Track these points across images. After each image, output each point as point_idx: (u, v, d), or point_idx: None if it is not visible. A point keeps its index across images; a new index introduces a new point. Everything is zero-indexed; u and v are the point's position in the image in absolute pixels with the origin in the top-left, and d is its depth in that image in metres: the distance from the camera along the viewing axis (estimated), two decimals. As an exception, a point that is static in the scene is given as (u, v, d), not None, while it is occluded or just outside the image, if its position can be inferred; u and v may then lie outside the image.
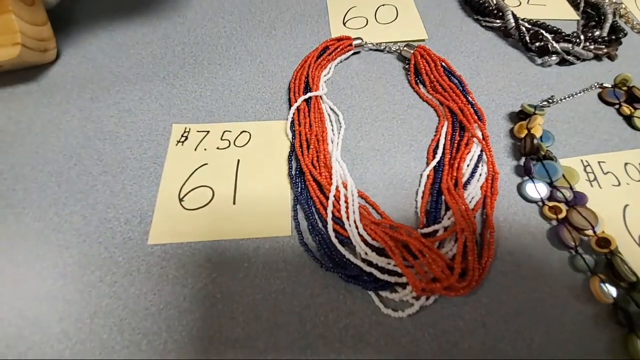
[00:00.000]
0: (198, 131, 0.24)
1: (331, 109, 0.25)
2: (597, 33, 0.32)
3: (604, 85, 0.29)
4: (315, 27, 0.32)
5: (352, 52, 0.29)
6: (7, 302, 0.18)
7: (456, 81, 0.26)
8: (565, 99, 0.27)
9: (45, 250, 0.20)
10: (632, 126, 0.27)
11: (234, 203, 0.21)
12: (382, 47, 0.29)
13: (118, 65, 0.29)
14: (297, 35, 0.31)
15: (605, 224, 0.21)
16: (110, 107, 0.26)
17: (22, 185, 0.22)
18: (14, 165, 0.23)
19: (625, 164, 0.24)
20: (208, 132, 0.24)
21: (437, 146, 0.23)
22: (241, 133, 0.24)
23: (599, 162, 0.24)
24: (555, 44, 0.28)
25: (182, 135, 0.24)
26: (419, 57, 0.27)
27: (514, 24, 0.30)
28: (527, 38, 0.29)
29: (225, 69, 0.29)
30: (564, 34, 0.30)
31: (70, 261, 0.20)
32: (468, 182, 0.22)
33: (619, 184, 0.23)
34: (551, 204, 0.21)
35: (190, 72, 0.28)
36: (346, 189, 0.21)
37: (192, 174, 0.22)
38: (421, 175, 0.23)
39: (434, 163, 0.22)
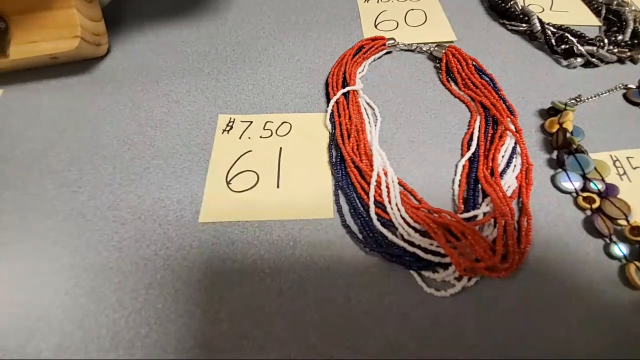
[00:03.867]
0: (242, 121, 0.25)
1: (367, 103, 0.26)
2: (620, 37, 0.32)
3: (628, 86, 0.29)
4: (348, 29, 0.33)
5: (384, 51, 0.30)
6: (66, 272, 0.19)
7: (487, 79, 0.27)
8: (592, 98, 0.27)
9: (101, 226, 0.21)
10: (659, 125, 0.27)
11: (278, 187, 0.22)
12: (413, 48, 0.30)
13: (165, 61, 0.30)
14: (331, 36, 0.32)
15: (638, 215, 0.21)
16: (160, 97, 0.27)
17: (77, 167, 0.23)
18: (70, 149, 0.24)
19: (654, 160, 0.24)
20: (251, 122, 0.25)
21: (471, 139, 0.24)
22: (282, 124, 0.25)
23: (627, 158, 0.24)
24: (580, 47, 0.29)
25: (227, 125, 0.25)
26: (451, 56, 0.28)
27: (539, 28, 0.30)
28: (553, 41, 0.30)
29: (265, 66, 0.30)
30: (587, 37, 0.31)
31: (126, 236, 0.20)
32: (504, 172, 0.22)
33: (650, 179, 0.23)
34: (585, 194, 0.21)
35: (233, 68, 0.29)
36: (386, 176, 0.21)
37: (237, 159, 0.23)
38: (457, 165, 0.23)
39: (469, 154, 0.23)
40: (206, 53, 0.31)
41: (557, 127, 0.24)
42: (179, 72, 0.29)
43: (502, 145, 0.22)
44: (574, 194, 0.22)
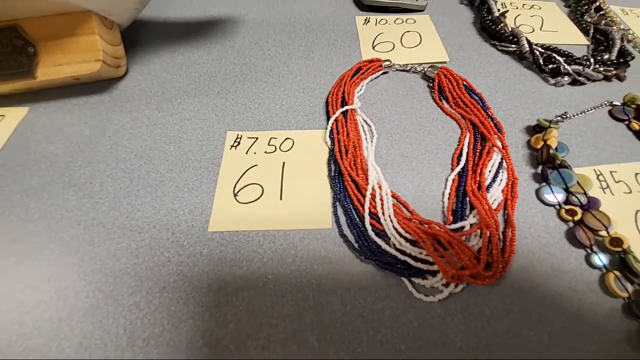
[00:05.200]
0: (248, 137, 0.27)
1: (364, 120, 0.28)
2: (607, 56, 0.33)
3: (613, 103, 0.30)
4: (348, 51, 0.35)
5: (381, 72, 0.32)
6: (87, 277, 0.21)
7: (477, 98, 0.28)
8: (577, 115, 0.29)
9: (120, 234, 0.22)
10: (642, 140, 0.28)
11: (281, 199, 0.24)
12: (408, 68, 0.32)
13: (179, 81, 0.32)
14: (332, 58, 0.34)
15: (618, 227, 0.22)
16: (174, 115, 0.29)
17: (98, 180, 0.25)
18: (91, 163, 0.26)
19: (636, 173, 0.26)
20: (257, 138, 0.27)
21: (460, 154, 0.25)
22: (285, 140, 0.27)
23: (610, 172, 0.26)
24: (567, 66, 0.30)
25: (235, 141, 0.27)
26: (442, 77, 0.30)
27: (528, 48, 0.32)
28: (541, 60, 0.31)
29: (270, 86, 0.32)
30: (575, 57, 0.32)
31: (142, 244, 0.22)
32: (490, 185, 0.23)
33: (630, 192, 0.24)
34: (567, 207, 0.22)
35: (241, 87, 0.31)
36: (381, 189, 0.23)
37: (244, 173, 0.25)
38: (447, 179, 0.24)
39: (458, 168, 0.24)
40: (216, 74, 0.33)
41: (541, 143, 0.25)
42: (191, 92, 0.31)
43: (489, 161, 0.24)
44: (557, 207, 0.23)
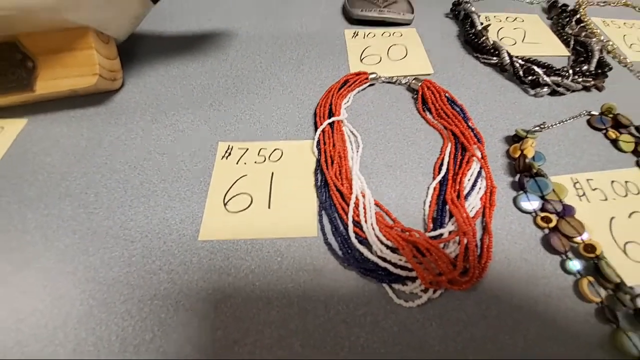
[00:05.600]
0: (239, 148, 0.28)
1: (351, 131, 0.29)
2: (585, 67, 0.34)
3: (592, 112, 0.31)
4: (337, 64, 0.36)
5: (368, 84, 0.33)
6: (81, 285, 0.21)
7: (458, 109, 0.29)
8: (556, 124, 0.30)
9: (113, 244, 0.23)
10: (618, 148, 0.29)
11: (269, 208, 0.24)
12: (393, 80, 0.33)
13: (173, 93, 0.33)
14: (321, 70, 0.35)
15: (594, 233, 0.23)
16: (167, 127, 0.30)
17: (93, 190, 0.26)
18: (86, 173, 0.27)
19: (612, 181, 0.26)
20: (247, 149, 0.28)
21: (442, 164, 0.26)
22: (275, 150, 0.28)
23: (587, 180, 0.26)
24: (546, 78, 0.31)
25: (226, 152, 0.28)
26: (426, 89, 0.31)
27: (508, 61, 0.33)
28: (521, 72, 0.32)
29: (261, 98, 0.33)
30: (554, 68, 0.33)
31: (135, 252, 0.23)
32: (469, 194, 0.24)
33: (606, 199, 0.25)
34: (543, 214, 0.23)
35: (233, 99, 0.32)
36: (364, 198, 0.23)
37: (234, 183, 0.26)
38: (428, 187, 0.25)
39: (439, 177, 0.25)
40: (209, 86, 0.34)
41: (519, 152, 0.26)
42: (184, 104, 0.32)
43: (468, 170, 0.25)
44: (534, 214, 0.24)
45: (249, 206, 0.24)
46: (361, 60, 0.36)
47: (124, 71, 0.34)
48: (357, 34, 0.39)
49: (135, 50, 0.38)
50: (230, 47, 0.38)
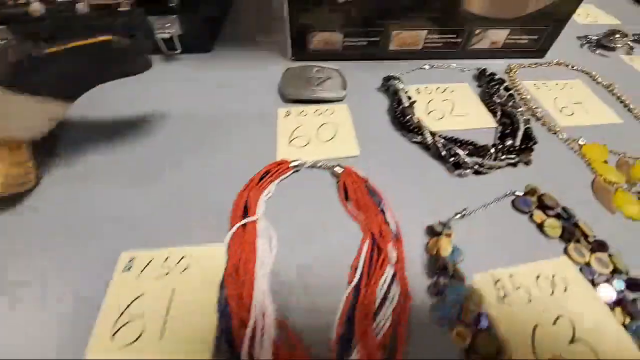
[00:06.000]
0: (142, 258, 0.26)
1: (267, 230, 0.27)
2: (510, 142, 0.34)
3: (516, 193, 0.31)
4: (264, 148, 0.34)
5: (292, 171, 0.32)
6: None
7: (376, 199, 0.29)
8: (478, 209, 0.29)
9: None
10: (544, 234, 0.28)
11: (161, 338, 0.22)
12: (318, 165, 0.32)
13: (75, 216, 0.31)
14: (249, 153, 0.33)
15: (515, 350, 0.21)
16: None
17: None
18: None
19: (537, 276, 0.25)
20: (152, 259, 0.26)
21: (357, 265, 0.25)
22: (182, 258, 0.26)
23: (510, 275, 0.25)
24: (467, 159, 0.31)
25: (128, 262, 0.26)
26: (347, 177, 0.30)
27: (431, 141, 0.33)
28: (443, 152, 0.32)
29: (177, 190, 0.31)
30: (477, 146, 0.33)
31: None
32: (382, 304, 0.22)
33: (530, 301, 0.24)
34: (459, 329, 0.21)
35: (146, 197, 0.31)
36: (264, 319, 0.21)
37: (128, 306, 0.23)
38: (342, 297, 0.23)
39: (353, 283, 0.23)
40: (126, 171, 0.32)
41: (435, 250, 0.25)
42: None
43: (381, 276, 0.23)
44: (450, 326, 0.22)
45: (138, 338, 0.22)
46: (290, 142, 0.35)
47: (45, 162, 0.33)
48: (289, 113, 0.39)
49: (61, 135, 0.36)
50: (161, 129, 0.37)
